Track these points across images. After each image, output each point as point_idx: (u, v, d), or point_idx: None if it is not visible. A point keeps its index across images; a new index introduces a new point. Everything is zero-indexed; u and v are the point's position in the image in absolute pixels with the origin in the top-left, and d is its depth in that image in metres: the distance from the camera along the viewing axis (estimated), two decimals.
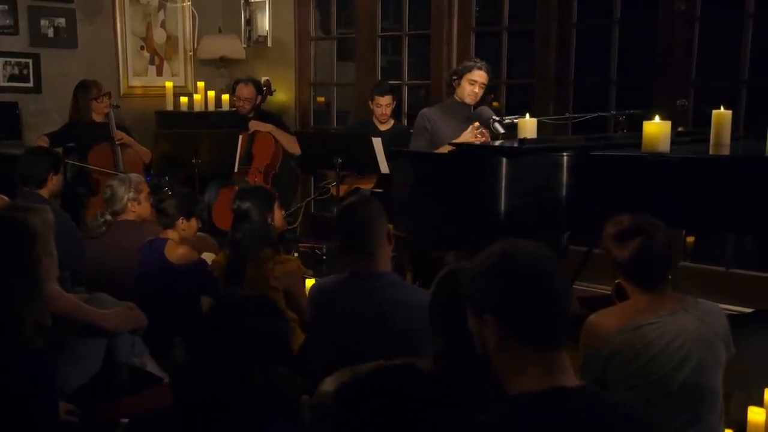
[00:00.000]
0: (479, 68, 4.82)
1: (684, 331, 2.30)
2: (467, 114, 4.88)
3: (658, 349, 2.26)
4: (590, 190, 3.28)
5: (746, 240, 4.43)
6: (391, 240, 2.60)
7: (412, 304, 2.51)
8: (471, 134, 4.56)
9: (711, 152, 3.52)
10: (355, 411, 1.97)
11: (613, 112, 4.37)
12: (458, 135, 4.73)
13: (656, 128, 3.26)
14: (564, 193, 3.28)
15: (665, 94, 4.98)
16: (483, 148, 3.56)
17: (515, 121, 4.04)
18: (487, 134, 4.39)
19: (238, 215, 3.28)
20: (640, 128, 4.36)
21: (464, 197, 3.40)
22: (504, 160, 3.31)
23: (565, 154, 3.24)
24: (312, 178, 6.72)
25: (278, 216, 3.40)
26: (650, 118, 3.44)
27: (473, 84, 4.81)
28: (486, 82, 4.86)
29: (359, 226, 2.54)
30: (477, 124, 4.64)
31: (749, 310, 4.16)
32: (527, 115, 3.65)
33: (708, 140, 3.67)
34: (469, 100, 4.86)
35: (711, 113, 4.12)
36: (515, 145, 3.50)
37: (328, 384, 2.17)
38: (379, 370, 2.01)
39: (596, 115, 4.45)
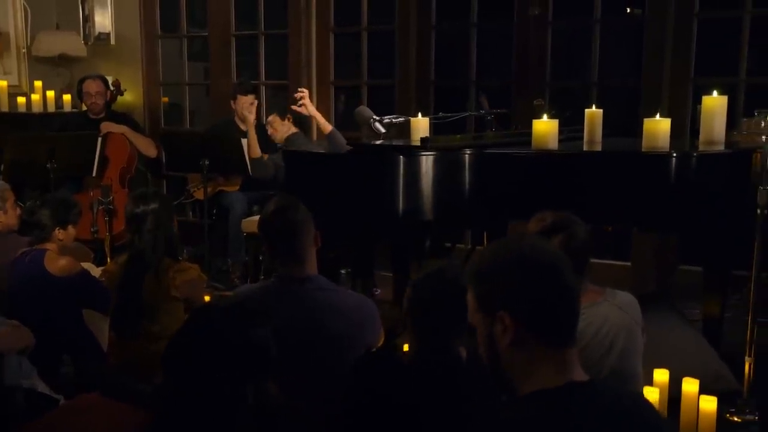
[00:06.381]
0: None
1: (608, 320, 2.43)
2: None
3: (589, 338, 2.37)
4: (485, 187, 3.38)
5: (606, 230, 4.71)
6: (318, 243, 2.56)
7: (344, 307, 2.50)
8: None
9: (585, 149, 3.73)
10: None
11: (482, 111, 4.53)
12: None
13: (545, 127, 3.42)
14: (461, 190, 3.37)
15: (522, 95, 5.22)
16: (381, 147, 3.57)
17: (394, 121, 4.10)
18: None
19: (138, 220, 3.08)
20: (506, 126, 4.58)
21: (362, 196, 3.41)
22: (402, 158, 3.35)
23: (467, 152, 3.32)
24: (164, 182, 6.47)
25: (174, 222, 3.24)
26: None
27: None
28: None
29: (288, 230, 2.49)
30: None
31: None
32: (420, 114, 3.70)
33: (574, 139, 3.90)
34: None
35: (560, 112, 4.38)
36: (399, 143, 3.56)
37: None
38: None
39: (468, 114, 4.61)
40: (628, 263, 5.02)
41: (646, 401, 1.59)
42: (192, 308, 3.15)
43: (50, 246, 3.35)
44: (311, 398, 2.33)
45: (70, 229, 3.44)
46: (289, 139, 5.10)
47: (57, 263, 3.29)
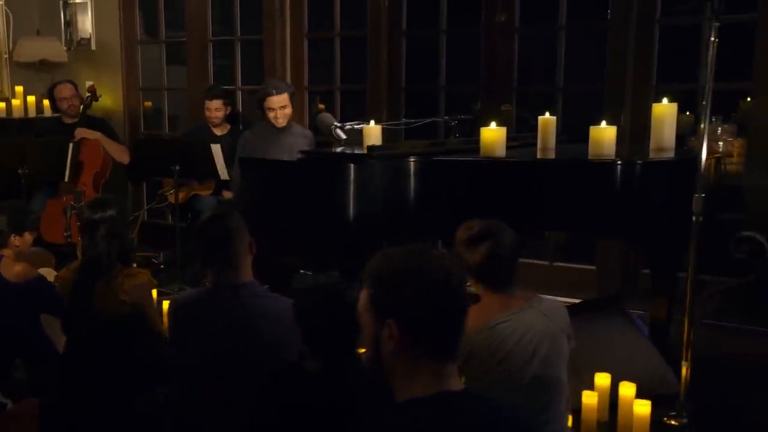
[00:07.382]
0: (271, 94, 4.77)
1: (532, 327, 2.47)
2: (281, 134, 4.88)
3: (512, 345, 2.42)
4: (434, 194, 3.44)
5: (577, 237, 4.76)
6: (253, 250, 2.62)
7: (280, 313, 2.55)
8: None
9: (538, 156, 3.78)
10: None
11: (446, 117, 4.57)
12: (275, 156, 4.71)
13: (493, 134, 3.47)
14: (411, 197, 3.43)
15: (490, 100, 5.27)
16: (331, 155, 3.63)
17: (356, 127, 4.16)
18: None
19: (93, 227, 3.13)
20: (471, 133, 4.62)
21: (314, 204, 3.46)
22: (352, 166, 3.41)
23: (411, 159, 3.38)
24: (144, 186, 6.54)
25: (131, 230, 3.31)
26: (485, 123, 3.65)
27: (272, 110, 4.79)
28: (287, 103, 4.81)
29: (221, 238, 2.55)
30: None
31: (572, 300, 4.47)
32: (372, 122, 3.76)
33: (530, 144, 3.94)
34: (277, 124, 4.83)
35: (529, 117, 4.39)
36: (360, 151, 3.61)
37: None
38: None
39: (430, 120, 4.64)
40: (593, 267, 5.07)
41: (528, 414, 1.64)
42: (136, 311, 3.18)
43: (6, 252, 3.42)
44: (246, 404, 2.40)
45: (27, 236, 3.51)
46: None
47: (12, 269, 3.35)
